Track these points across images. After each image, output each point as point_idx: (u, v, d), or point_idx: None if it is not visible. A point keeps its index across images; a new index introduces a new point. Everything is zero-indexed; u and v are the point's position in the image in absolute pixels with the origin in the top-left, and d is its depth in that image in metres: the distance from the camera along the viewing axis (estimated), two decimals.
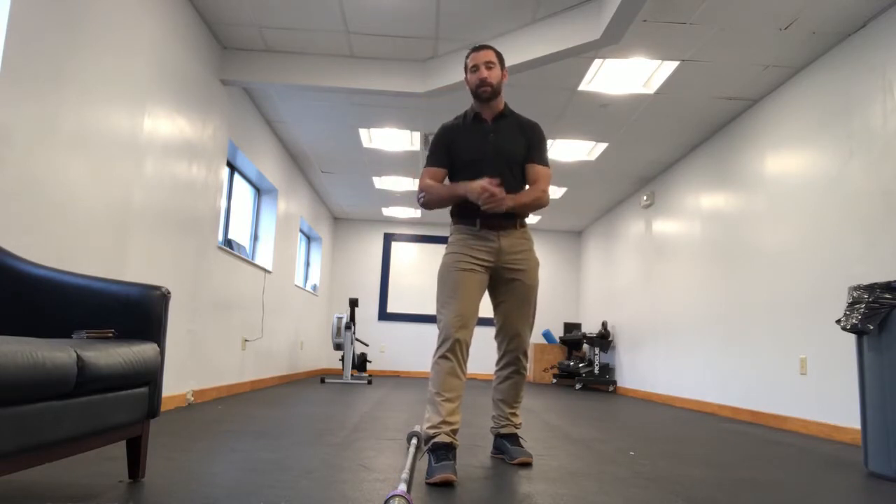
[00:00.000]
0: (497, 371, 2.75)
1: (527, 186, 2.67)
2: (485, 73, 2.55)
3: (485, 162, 2.57)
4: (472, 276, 2.51)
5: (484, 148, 2.59)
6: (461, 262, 2.52)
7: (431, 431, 2.36)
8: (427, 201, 2.58)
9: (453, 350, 2.40)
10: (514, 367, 2.69)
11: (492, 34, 4.47)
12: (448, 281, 2.50)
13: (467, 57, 2.62)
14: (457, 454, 2.44)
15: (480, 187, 2.38)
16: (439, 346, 2.43)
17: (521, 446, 2.72)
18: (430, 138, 6.50)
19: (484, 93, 2.56)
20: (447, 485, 2.16)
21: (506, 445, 2.71)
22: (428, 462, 2.29)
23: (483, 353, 10.48)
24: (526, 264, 2.61)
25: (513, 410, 2.76)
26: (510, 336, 2.66)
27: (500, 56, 2.62)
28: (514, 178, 2.60)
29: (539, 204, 2.58)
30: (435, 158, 2.64)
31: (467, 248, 2.55)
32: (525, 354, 2.70)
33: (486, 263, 2.56)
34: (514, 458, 2.62)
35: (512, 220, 2.59)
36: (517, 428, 2.78)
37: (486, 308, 4.17)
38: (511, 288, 2.61)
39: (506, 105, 2.68)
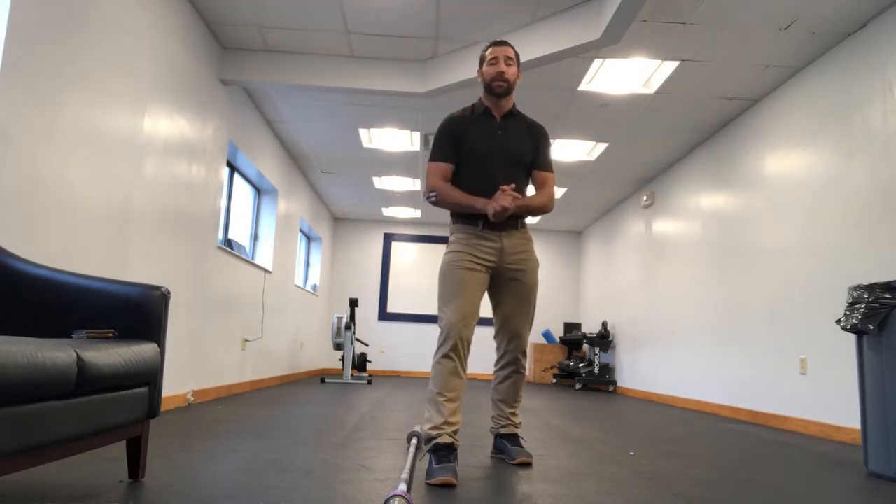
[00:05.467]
0: (496, 371, 2.75)
1: (530, 188, 2.68)
2: (503, 67, 2.55)
3: (490, 159, 2.56)
4: (473, 275, 2.50)
5: (491, 145, 2.58)
6: (463, 260, 2.52)
7: (434, 433, 2.36)
8: (438, 202, 2.56)
9: (455, 349, 2.40)
10: (513, 367, 2.69)
11: (492, 34, 4.47)
12: (449, 279, 2.49)
13: (486, 50, 2.61)
14: (458, 454, 2.44)
15: (502, 207, 2.40)
16: (441, 345, 2.42)
17: (521, 446, 2.72)
18: (430, 137, 6.53)
19: (499, 87, 2.56)
20: (447, 486, 2.16)
21: (506, 445, 2.71)
22: (429, 462, 2.29)
23: (483, 352, 10.47)
24: (526, 265, 2.61)
25: (512, 410, 2.75)
26: (510, 336, 2.66)
27: (518, 56, 2.63)
28: (518, 178, 2.61)
29: (545, 210, 2.62)
30: (442, 152, 2.58)
31: (469, 248, 2.54)
32: (524, 354, 2.70)
33: (487, 263, 2.55)
34: (514, 458, 2.62)
35: (514, 220, 2.58)
36: (517, 428, 2.77)
37: (486, 308, 4.20)
38: (511, 288, 2.61)
39: (514, 105, 2.69)
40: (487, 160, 2.56)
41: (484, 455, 2.82)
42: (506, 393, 2.73)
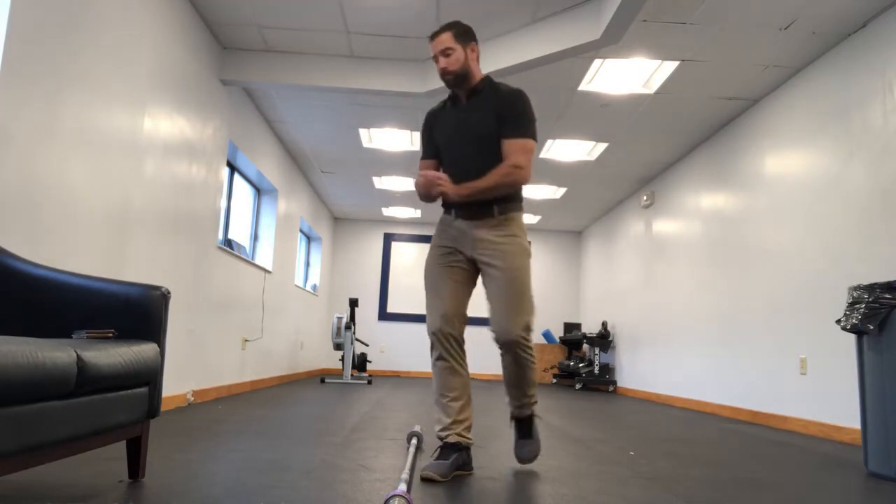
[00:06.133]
0: (501, 359, 2.68)
1: None
2: (443, 62, 2.41)
3: (455, 145, 2.47)
4: (449, 272, 2.44)
5: (455, 130, 2.48)
6: (438, 256, 2.47)
7: (443, 433, 2.36)
8: (421, 199, 2.55)
9: (445, 349, 2.39)
10: (509, 357, 2.49)
11: (492, 34, 4.47)
12: (428, 281, 2.46)
13: (429, 44, 2.49)
14: (469, 452, 2.42)
15: (432, 192, 2.34)
16: (431, 349, 2.43)
17: (531, 437, 2.58)
18: None
19: (447, 81, 2.45)
20: (434, 482, 2.20)
21: (514, 435, 2.63)
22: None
23: (481, 352, 10.47)
24: (500, 253, 2.40)
25: (519, 396, 2.55)
26: (495, 328, 2.48)
27: (460, 34, 2.42)
28: (490, 156, 2.40)
29: (507, 181, 2.35)
30: (424, 150, 2.62)
31: (443, 239, 2.48)
32: (516, 344, 2.42)
33: (463, 254, 2.47)
34: (516, 456, 2.59)
35: (488, 209, 2.42)
36: (526, 412, 2.58)
37: (482, 310, 4.22)
38: (489, 279, 2.45)
39: (484, 78, 2.49)
40: (453, 146, 2.48)
41: (485, 455, 2.82)
42: (507, 381, 2.56)
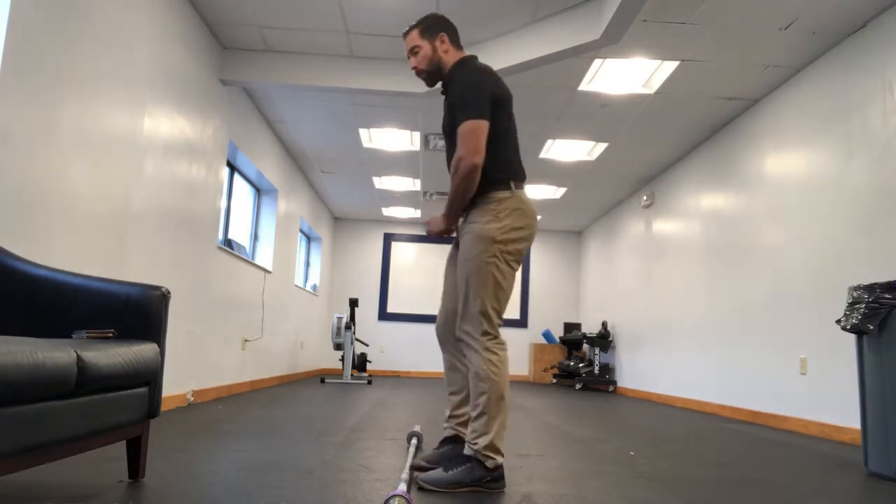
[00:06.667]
0: None
1: None
2: (412, 62, 2.37)
3: (445, 142, 2.40)
4: (453, 270, 2.43)
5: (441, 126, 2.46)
6: (449, 256, 2.47)
7: (444, 425, 2.40)
8: None
9: (443, 346, 2.42)
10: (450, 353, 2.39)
11: (492, 34, 4.47)
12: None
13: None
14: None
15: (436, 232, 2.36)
16: None
17: (445, 469, 2.12)
18: (430, 137, 6.53)
19: (424, 80, 2.40)
20: (417, 469, 2.24)
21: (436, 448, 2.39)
22: None
23: None
24: (463, 236, 2.26)
25: (472, 418, 2.18)
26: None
27: (425, 29, 2.33)
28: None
29: (461, 177, 2.16)
30: None
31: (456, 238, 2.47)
32: (465, 342, 2.19)
33: None
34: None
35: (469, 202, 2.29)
36: (470, 448, 2.13)
37: None
38: None
39: (453, 67, 2.33)
40: (445, 144, 2.43)
41: None
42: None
